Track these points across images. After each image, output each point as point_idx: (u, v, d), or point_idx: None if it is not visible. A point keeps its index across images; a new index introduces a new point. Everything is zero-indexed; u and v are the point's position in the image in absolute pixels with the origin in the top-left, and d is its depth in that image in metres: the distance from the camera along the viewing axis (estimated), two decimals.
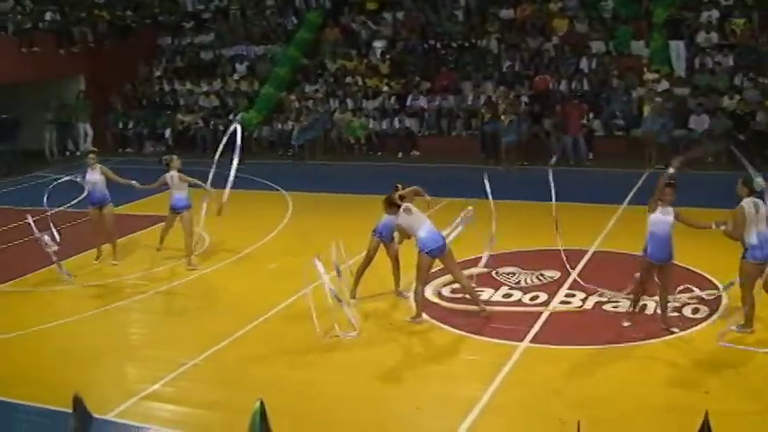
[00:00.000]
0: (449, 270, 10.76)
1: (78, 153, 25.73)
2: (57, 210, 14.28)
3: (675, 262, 9.92)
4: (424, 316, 10.67)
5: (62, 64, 25.64)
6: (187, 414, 8.66)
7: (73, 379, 9.19)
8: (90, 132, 26.02)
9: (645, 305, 10.45)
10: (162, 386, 9.23)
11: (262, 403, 2.31)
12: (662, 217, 9.49)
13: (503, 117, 20.88)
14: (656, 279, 9.85)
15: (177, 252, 13.74)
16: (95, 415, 7.96)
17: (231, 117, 25.42)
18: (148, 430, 8.36)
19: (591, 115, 21.41)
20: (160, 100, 27.29)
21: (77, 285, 12.79)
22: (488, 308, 10.72)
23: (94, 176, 13.77)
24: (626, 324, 10.02)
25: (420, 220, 10.34)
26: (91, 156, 14.14)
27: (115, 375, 9.88)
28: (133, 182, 13.79)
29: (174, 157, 13.97)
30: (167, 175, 13.49)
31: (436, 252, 10.29)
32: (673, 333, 9.70)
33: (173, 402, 8.90)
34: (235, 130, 14.01)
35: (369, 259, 11.25)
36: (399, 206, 10.37)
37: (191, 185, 13.64)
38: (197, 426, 8.36)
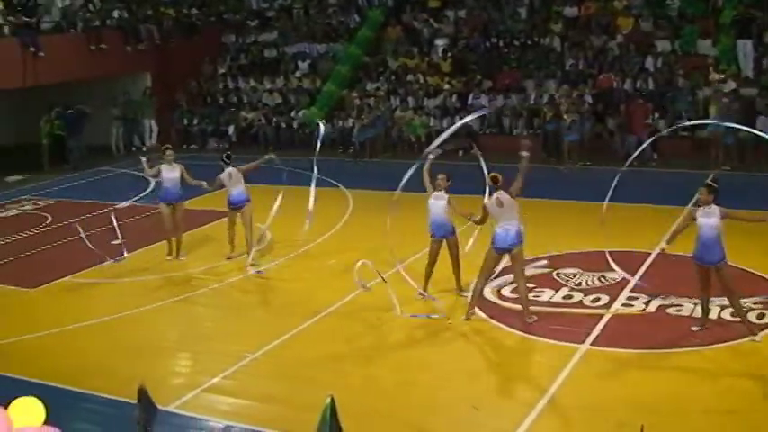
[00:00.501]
0: (512, 270, 10.71)
1: (144, 149, 26.21)
2: (125, 204, 14.50)
3: (739, 266, 9.74)
4: (483, 315, 10.65)
5: (129, 61, 26.10)
6: (247, 407, 8.79)
7: (136, 370, 9.38)
8: (155, 129, 26.48)
9: (709, 309, 10.26)
10: (223, 379, 9.39)
11: (332, 399, 2.33)
12: (704, 220, 9.45)
13: (565, 116, 20.69)
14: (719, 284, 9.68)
15: (239, 248, 13.91)
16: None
17: (293, 114, 25.67)
18: (209, 422, 8.50)
19: (656, 115, 21.06)
20: (224, 97, 27.63)
21: (143, 278, 13.03)
22: (549, 309, 10.65)
23: (173, 174, 13.75)
24: (695, 329, 9.85)
25: (501, 214, 10.32)
26: (168, 152, 14.02)
27: (177, 367, 10.06)
28: (204, 183, 13.79)
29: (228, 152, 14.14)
30: (223, 174, 13.59)
31: (502, 250, 10.30)
32: (754, 341, 9.50)
33: (233, 395, 9.04)
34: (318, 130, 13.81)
35: (430, 262, 11.37)
36: (495, 186, 10.37)
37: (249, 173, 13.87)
38: (256, 419, 8.47)
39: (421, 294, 11.18)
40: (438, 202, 11.24)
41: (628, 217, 14.17)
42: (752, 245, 11.58)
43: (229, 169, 13.62)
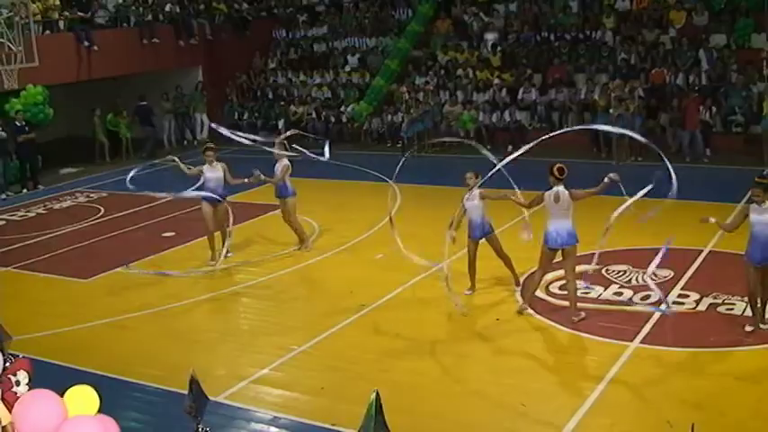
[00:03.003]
0: (562, 266, 10.65)
1: (195, 143, 26.52)
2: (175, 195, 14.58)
3: None
4: (531, 311, 10.60)
5: (180, 55, 26.40)
6: (295, 399, 8.86)
7: (186, 360, 9.51)
8: (207, 122, 26.73)
9: (763, 310, 10.09)
10: (271, 371, 9.48)
11: (378, 395, 2.35)
12: (758, 217, 9.31)
13: (611, 111, 20.41)
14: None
15: (288, 241, 14.00)
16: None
17: (342, 109, 25.74)
18: (257, 413, 8.59)
19: (713, 110, 20.70)
20: (274, 92, 27.80)
21: (193, 270, 13.19)
22: (598, 306, 10.56)
23: (214, 173, 13.39)
24: (748, 328, 9.66)
25: (555, 211, 10.28)
26: (209, 152, 13.52)
27: (226, 358, 10.17)
28: (245, 179, 13.69)
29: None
30: (276, 166, 13.70)
31: (554, 247, 10.29)
32: None
33: (281, 387, 9.12)
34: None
35: (470, 261, 11.36)
36: (558, 179, 10.34)
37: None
38: (304, 411, 8.54)
39: (468, 292, 11.20)
40: (472, 203, 11.15)
41: (679, 214, 13.95)
42: None
43: (284, 161, 13.78)
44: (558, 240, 10.18)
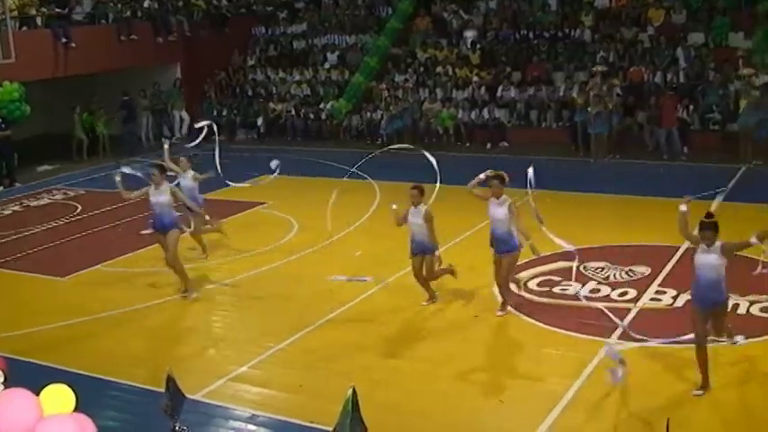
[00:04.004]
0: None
1: (174, 140, 26.40)
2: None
3: None
4: (509, 308, 10.64)
5: (159, 52, 26.27)
6: (273, 397, 8.85)
7: (164, 359, 9.49)
8: (187, 118, 26.61)
9: (737, 304, 10.18)
10: (249, 368, 9.46)
11: (354, 391, 2.36)
12: (704, 258, 8.22)
13: (589, 109, 20.53)
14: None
15: (266, 240, 13.97)
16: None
17: (321, 106, 25.71)
18: (235, 411, 8.57)
19: (691, 108, 20.85)
20: (253, 89, 27.74)
21: (168, 269, 13.12)
22: (576, 303, 10.61)
23: (158, 197, 11.63)
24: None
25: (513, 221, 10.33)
26: (155, 173, 11.73)
27: (204, 357, 10.14)
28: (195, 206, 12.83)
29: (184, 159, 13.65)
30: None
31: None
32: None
33: (259, 385, 9.10)
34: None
35: (416, 275, 11.12)
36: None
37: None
38: (282, 408, 8.53)
39: (426, 303, 11.11)
40: (415, 221, 10.75)
41: (658, 211, 14.06)
42: None
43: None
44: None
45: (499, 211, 10.33)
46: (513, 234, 10.36)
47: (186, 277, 11.96)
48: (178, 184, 12.98)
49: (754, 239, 8.18)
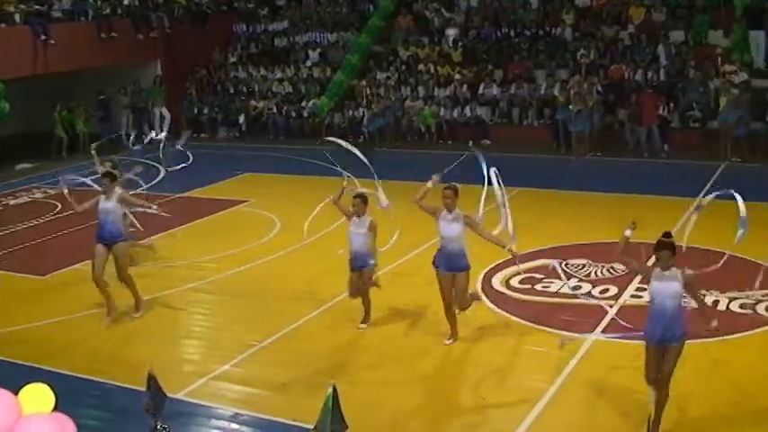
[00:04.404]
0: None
1: (154, 138, 26.30)
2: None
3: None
4: (491, 305, 10.66)
5: (139, 49, 26.12)
6: (255, 395, 8.82)
7: (145, 358, 9.43)
8: (167, 116, 26.47)
9: (717, 301, 10.25)
10: (232, 367, 9.43)
11: (334, 388, 2.36)
12: (659, 285, 7.28)
13: (570, 106, 20.61)
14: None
15: (248, 239, 13.94)
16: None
17: (303, 104, 25.66)
18: (217, 410, 8.54)
19: (671, 105, 20.97)
20: (234, 86, 27.64)
21: (150, 266, 13.06)
22: (558, 300, 10.63)
23: (105, 205, 10.69)
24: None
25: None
26: (106, 181, 10.79)
27: (186, 355, 10.11)
28: (154, 206, 11.65)
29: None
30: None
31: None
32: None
33: (241, 383, 9.07)
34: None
35: (351, 293, 10.38)
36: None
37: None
38: (265, 407, 8.50)
39: (363, 325, 10.38)
40: (357, 232, 10.06)
41: (637, 208, 14.13)
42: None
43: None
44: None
45: (452, 227, 9.23)
46: (466, 252, 9.39)
47: (139, 295, 11.04)
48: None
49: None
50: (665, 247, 7.16)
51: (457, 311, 9.68)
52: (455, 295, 9.48)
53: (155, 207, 11.53)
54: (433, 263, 9.56)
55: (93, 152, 13.23)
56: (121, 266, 10.81)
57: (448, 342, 9.63)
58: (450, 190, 9.29)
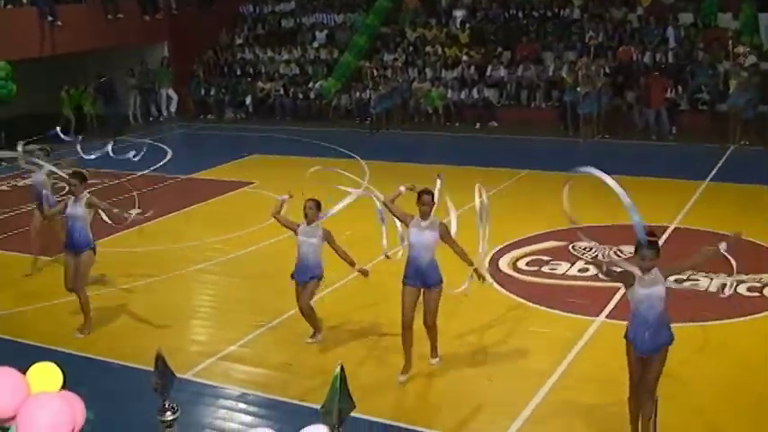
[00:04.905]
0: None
1: (162, 119, 26.36)
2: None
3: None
4: (498, 287, 10.66)
5: (145, 30, 26.11)
6: (263, 375, 8.85)
7: (152, 338, 9.49)
8: (175, 97, 26.53)
9: (724, 284, 10.23)
10: (239, 347, 9.47)
11: (342, 368, 2.37)
12: (644, 291, 6.59)
13: (578, 89, 20.52)
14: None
15: (254, 220, 13.95)
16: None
17: (310, 85, 25.61)
18: (225, 390, 8.58)
19: (680, 88, 20.87)
20: (241, 68, 27.60)
21: (158, 247, 13.09)
22: (564, 282, 10.62)
23: (74, 209, 9.87)
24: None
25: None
26: (74, 182, 9.94)
27: (193, 335, 10.14)
28: (132, 211, 11.13)
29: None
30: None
31: None
32: None
33: (249, 363, 9.11)
34: None
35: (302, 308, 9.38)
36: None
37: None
38: (272, 387, 8.54)
39: (311, 339, 9.54)
40: (308, 240, 9.33)
41: (646, 191, 14.10)
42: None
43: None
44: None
45: (426, 235, 8.32)
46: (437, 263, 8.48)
47: (89, 312, 10.17)
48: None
49: (723, 248, 6.76)
50: (651, 248, 6.51)
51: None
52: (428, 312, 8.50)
53: (130, 213, 10.67)
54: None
55: (19, 149, 12.35)
56: (82, 274, 9.96)
57: (434, 361, 8.79)
58: (428, 195, 8.38)
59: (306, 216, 9.26)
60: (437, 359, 8.78)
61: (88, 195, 10.05)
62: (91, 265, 10.16)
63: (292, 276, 9.44)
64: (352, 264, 9.29)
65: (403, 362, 8.53)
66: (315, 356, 9.07)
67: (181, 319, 10.63)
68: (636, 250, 6.62)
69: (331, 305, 10.37)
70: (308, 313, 9.33)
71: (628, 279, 6.65)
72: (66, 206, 10.07)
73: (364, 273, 9.38)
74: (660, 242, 7.11)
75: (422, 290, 8.39)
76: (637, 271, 6.53)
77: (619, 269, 6.87)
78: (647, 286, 6.56)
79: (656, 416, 6.85)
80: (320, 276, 9.33)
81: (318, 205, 9.32)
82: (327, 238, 9.30)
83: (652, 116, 20.16)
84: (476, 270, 8.58)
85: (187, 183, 17.62)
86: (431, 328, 8.62)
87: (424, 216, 8.35)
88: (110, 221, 10.58)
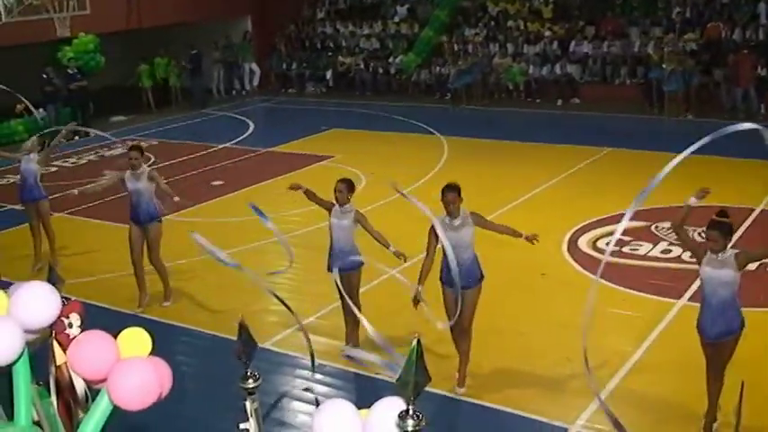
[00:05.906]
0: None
1: (244, 92, 26.69)
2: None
3: None
4: (578, 267, 10.55)
5: (230, 4, 26.39)
6: (339, 347, 8.94)
7: (235, 307, 9.66)
8: (257, 71, 26.84)
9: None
10: (317, 319, 9.60)
11: (419, 341, 2.37)
12: (713, 272, 6.41)
13: (664, 65, 20.03)
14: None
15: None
16: None
17: (390, 60, 25.59)
18: (303, 360, 8.71)
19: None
20: (322, 42, 27.72)
21: (240, 218, 13.30)
22: (647, 263, 10.44)
23: (135, 184, 10.18)
24: None
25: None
26: (135, 155, 10.21)
27: (273, 306, 10.29)
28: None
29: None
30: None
31: None
32: None
33: (326, 335, 9.22)
34: None
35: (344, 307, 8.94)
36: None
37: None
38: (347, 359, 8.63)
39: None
40: (340, 222, 9.00)
41: (733, 172, 13.75)
42: None
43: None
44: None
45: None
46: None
47: (168, 282, 10.58)
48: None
49: None
50: (715, 227, 6.33)
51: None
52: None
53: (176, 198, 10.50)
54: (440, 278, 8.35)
55: (29, 143, 12.04)
56: (154, 247, 10.29)
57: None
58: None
59: (336, 200, 8.77)
60: (464, 389, 8.06)
61: (149, 169, 10.30)
62: (160, 236, 10.31)
63: (329, 269, 8.96)
64: (386, 245, 8.74)
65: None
66: (391, 330, 9.11)
67: (259, 289, 10.79)
68: (707, 229, 6.45)
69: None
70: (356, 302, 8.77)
71: (698, 252, 6.54)
72: (123, 180, 10.21)
73: (400, 256, 8.72)
74: (746, 224, 6.93)
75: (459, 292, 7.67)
76: (707, 251, 6.39)
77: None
78: (714, 267, 6.36)
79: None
80: (357, 265, 8.72)
81: (350, 186, 8.79)
82: (360, 219, 8.82)
83: (740, 95, 19.57)
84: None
85: (268, 155, 17.83)
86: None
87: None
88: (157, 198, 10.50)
